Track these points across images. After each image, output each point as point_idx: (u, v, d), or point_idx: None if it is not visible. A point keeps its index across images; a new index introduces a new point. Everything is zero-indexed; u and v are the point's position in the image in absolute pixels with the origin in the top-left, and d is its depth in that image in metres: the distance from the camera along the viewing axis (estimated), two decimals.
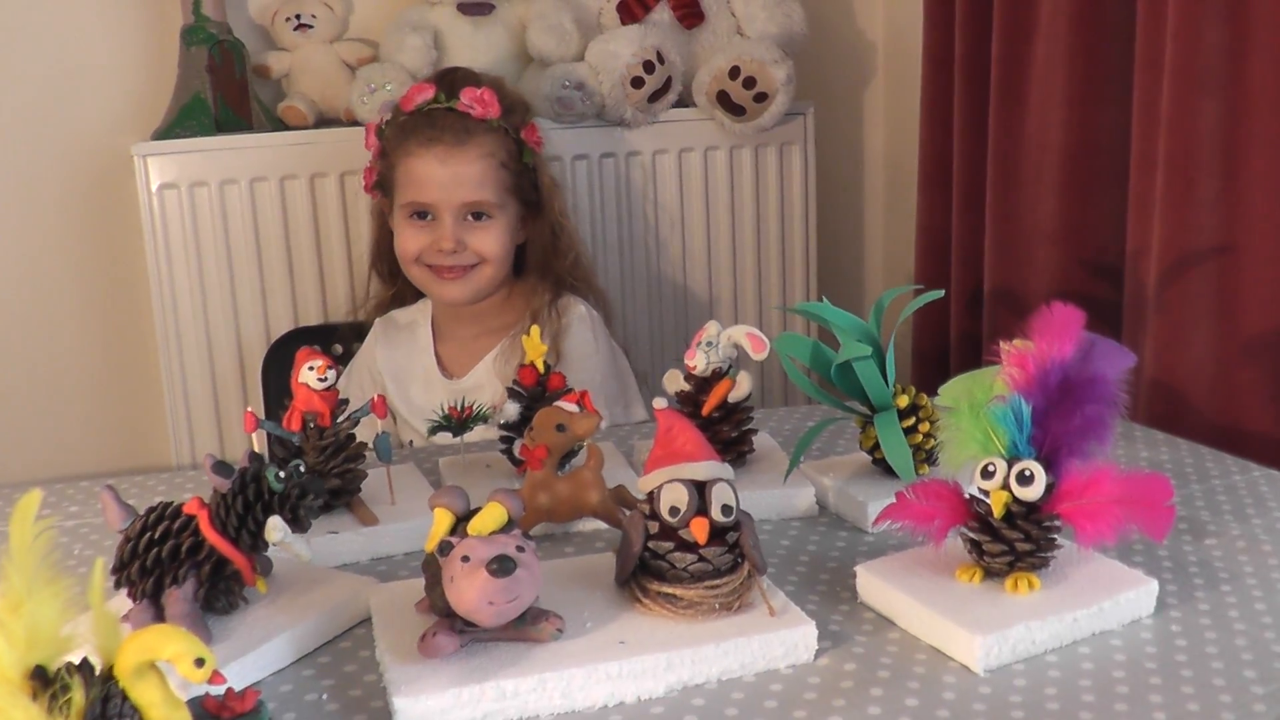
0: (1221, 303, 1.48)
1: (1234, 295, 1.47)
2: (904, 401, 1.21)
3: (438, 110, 1.67)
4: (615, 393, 1.73)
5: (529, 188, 1.73)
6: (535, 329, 1.29)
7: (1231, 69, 1.43)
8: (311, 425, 1.18)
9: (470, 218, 1.68)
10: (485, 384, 1.71)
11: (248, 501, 0.96)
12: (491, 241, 1.68)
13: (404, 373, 1.77)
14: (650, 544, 0.95)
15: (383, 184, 1.74)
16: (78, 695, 0.71)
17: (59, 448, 2.14)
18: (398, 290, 1.83)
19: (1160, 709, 0.86)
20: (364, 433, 1.22)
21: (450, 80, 1.71)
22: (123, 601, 0.98)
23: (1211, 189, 1.46)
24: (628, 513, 1.03)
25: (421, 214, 1.68)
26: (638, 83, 1.99)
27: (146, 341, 2.10)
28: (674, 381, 1.28)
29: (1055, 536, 0.99)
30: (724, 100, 2.03)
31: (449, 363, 1.76)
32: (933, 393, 1.25)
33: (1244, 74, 1.42)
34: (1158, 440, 1.41)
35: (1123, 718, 0.85)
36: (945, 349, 2.01)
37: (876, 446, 1.20)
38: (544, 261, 1.77)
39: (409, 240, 1.70)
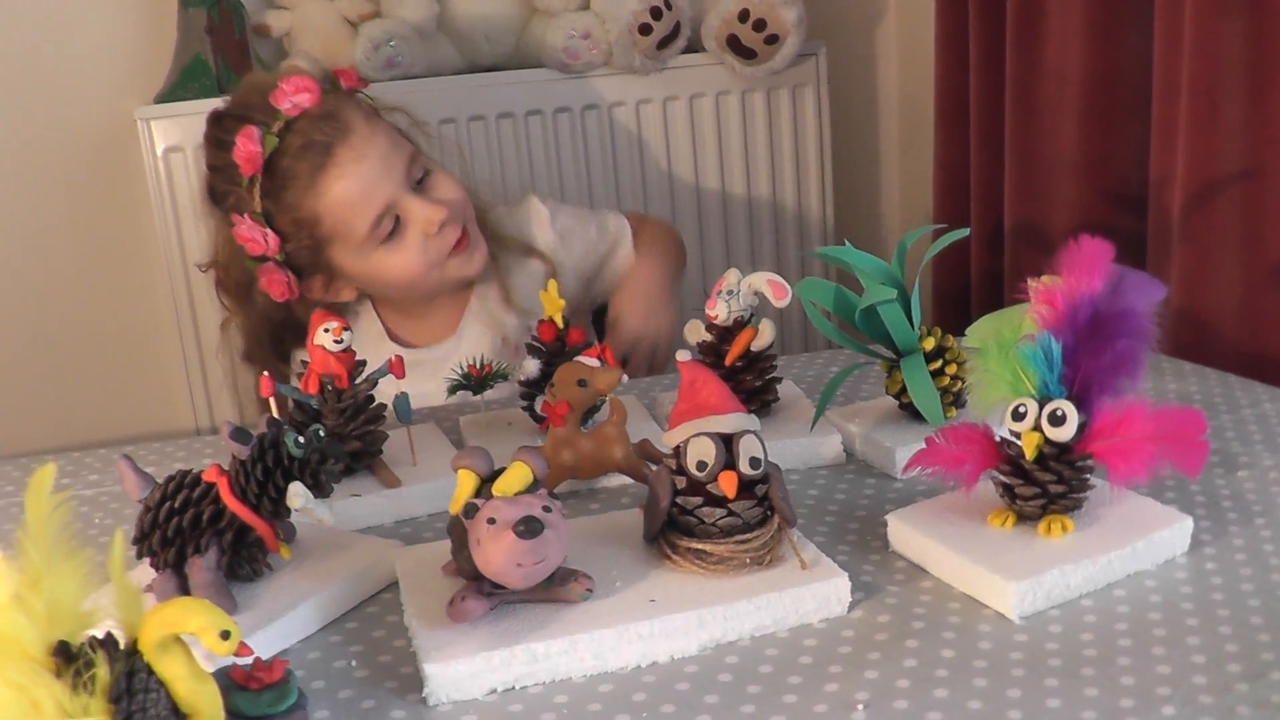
0: (1247, 229, 1.45)
1: (1260, 221, 1.44)
2: (930, 344, 1.19)
3: (293, 136, 1.44)
4: (594, 237, 1.70)
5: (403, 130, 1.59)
6: (553, 284, 1.27)
7: None
8: (329, 388, 1.17)
9: (418, 185, 1.51)
10: (472, 335, 1.61)
11: (267, 468, 0.95)
12: (451, 184, 1.55)
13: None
14: (678, 499, 0.94)
15: (294, 262, 1.49)
16: (102, 671, 0.70)
17: (73, 416, 2.13)
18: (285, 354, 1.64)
19: (1199, 651, 0.84)
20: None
21: (262, 109, 1.46)
22: (146, 572, 0.98)
23: (1237, 114, 1.43)
24: (653, 467, 1.02)
25: (386, 232, 1.48)
26: (645, 29, 1.96)
27: (159, 307, 2.09)
28: (695, 332, 1.26)
29: (1088, 476, 0.97)
30: (734, 44, 2.00)
31: (428, 336, 1.63)
32: (956, 333, 1.23)
33: None
34: (1185, 371, 1.39)
35: (1161, 662, 0.84)
36: (966, 288, 1.99)
37: (903, 391, 1.18)
38: None
39: (405, 261, 1.50)
